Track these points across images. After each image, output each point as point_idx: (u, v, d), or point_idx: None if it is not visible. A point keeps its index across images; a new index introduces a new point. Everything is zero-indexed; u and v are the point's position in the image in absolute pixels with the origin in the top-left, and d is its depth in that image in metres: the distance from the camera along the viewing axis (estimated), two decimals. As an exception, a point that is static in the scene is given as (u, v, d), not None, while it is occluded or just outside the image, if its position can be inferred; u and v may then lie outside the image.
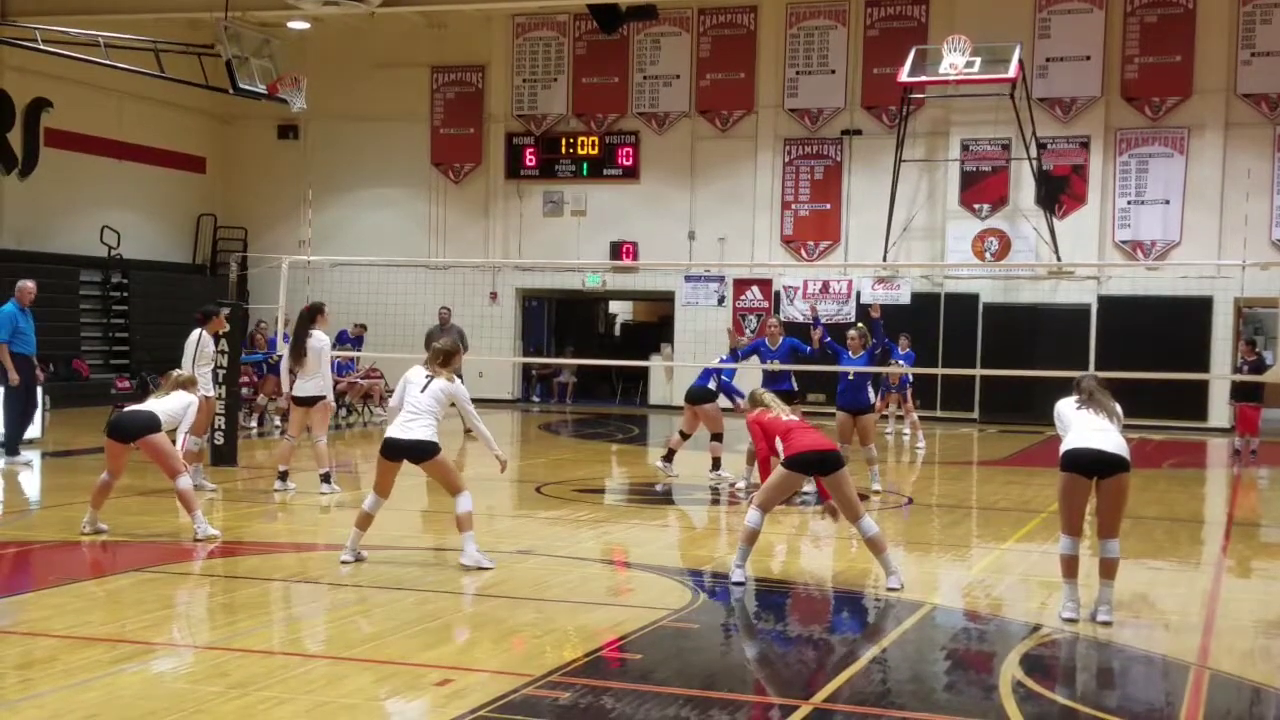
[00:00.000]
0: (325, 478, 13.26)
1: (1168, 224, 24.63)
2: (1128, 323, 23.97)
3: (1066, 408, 8.55)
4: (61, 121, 25.10)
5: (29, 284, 15.93)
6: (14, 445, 15.69)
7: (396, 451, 9.48)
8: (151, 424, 10.48)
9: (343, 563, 9.50)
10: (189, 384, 11.16)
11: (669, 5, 25.46)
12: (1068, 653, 7.78)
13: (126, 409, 11.40)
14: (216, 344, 14.47)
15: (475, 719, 6.01)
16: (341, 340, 22.25)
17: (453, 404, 9.76)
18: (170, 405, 10.71)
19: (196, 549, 10.18)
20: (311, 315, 13.51)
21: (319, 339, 13.39)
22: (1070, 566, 8.25)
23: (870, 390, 14.56)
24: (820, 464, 9.08)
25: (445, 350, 9.83)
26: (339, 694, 6.39)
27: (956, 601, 9.07)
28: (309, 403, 13.38)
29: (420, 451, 9.43)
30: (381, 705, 6.29)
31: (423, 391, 9.55)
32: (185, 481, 10.56)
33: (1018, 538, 11.66)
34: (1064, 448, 8.26)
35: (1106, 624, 8.05)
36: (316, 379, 13.31)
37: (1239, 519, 13.84)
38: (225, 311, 14.79)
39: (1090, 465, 8.12)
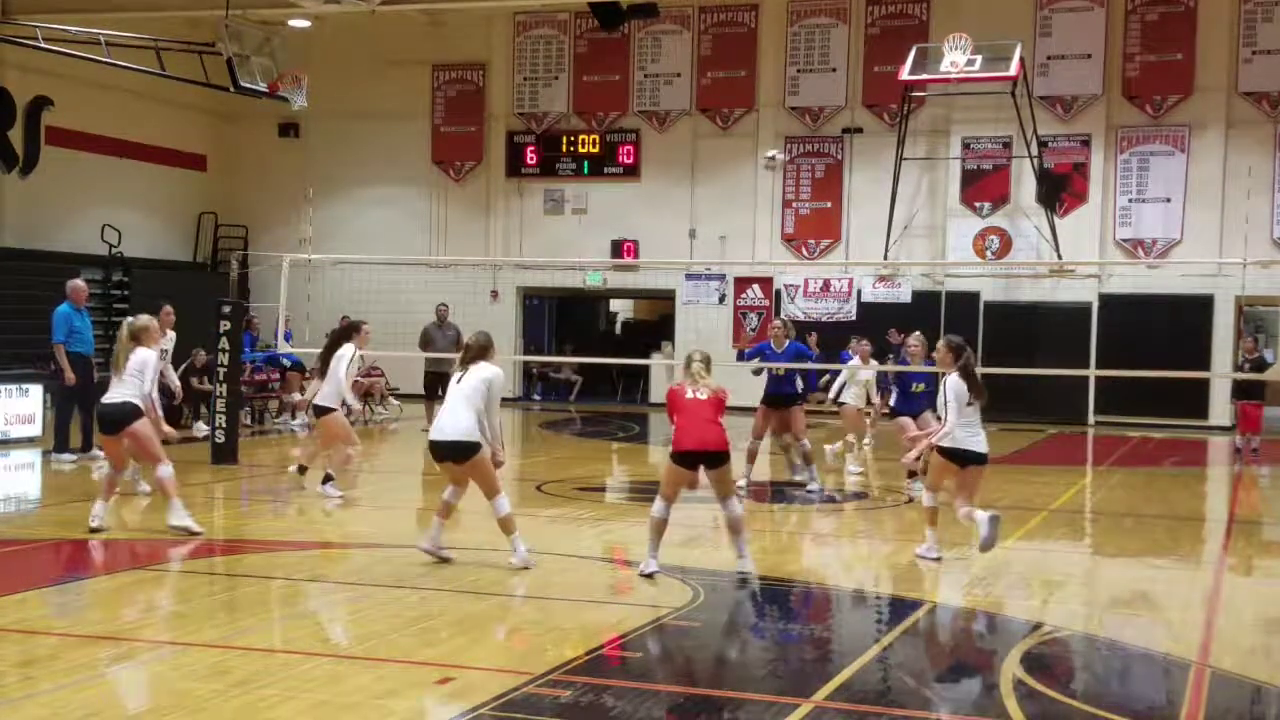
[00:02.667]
0: (326, 479, 13.19)
1: (1169, 222, 24.61)
2: (1129, 321, 23.93)
3: (963, 396, 9.98)
4: (62, 120, 25.06)
5: (80, 283, 15.69)
6: (78, 442, 15.43)
7: (440, 454, 9.45)
8: (132, 414, 10.41)
9: (422, 550, 9.50)
10: (141, 334, 10.66)
11: (670, 3, 25.40)
12: (1068, 651, 7.78)
13: (103, 400, 10.77)
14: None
15: (476, 717, 6.01)
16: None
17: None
18: (132, 381, 10.40)
19: (187, 543, 10.18)
20: (347, 333, 13.44)
21: (344, 348, 13.42)
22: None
23: (798, 382, 14.55)
24: (704, 461, 9.12)
25: (483, 345, 9.60)
26: (340, 692, 6.38)
27: (957, 600, 9.06)
28: (319, 413, 13.29)
29: (460, 452, 9.31)
30: (382, 704, 6.28)
31: (458, 383, 9.44)
32: (166, 470, 10.52)
33: (1018, 536, 11.63)
34: (961, 445, 9.86)
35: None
36: (327, 387, 13.21)
37: (1240, 517, 13.83)
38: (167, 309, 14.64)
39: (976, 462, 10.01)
